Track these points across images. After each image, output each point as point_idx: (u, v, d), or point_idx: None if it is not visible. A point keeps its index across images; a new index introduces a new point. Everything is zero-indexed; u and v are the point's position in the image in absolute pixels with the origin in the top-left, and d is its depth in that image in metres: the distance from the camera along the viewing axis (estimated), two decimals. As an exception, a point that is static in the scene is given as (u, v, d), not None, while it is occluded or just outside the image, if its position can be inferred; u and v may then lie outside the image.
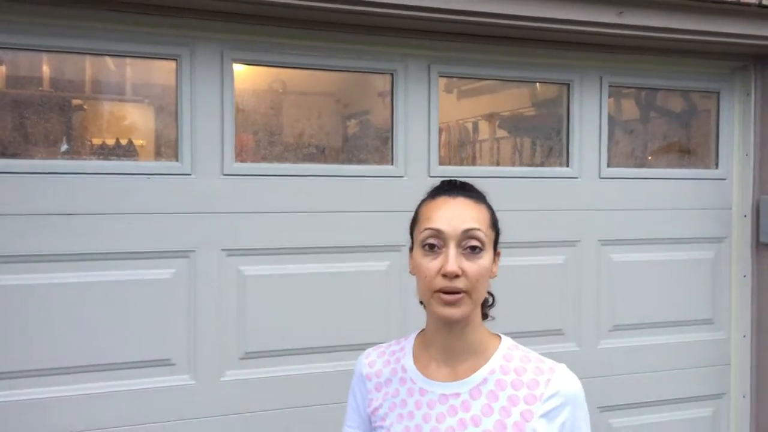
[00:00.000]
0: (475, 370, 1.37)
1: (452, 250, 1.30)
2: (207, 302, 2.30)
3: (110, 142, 2.30)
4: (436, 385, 1.38)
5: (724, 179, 3.03)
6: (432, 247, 1.32)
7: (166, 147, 2.32)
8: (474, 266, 1.31)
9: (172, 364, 2.27)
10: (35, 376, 2.14)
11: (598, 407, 2.79)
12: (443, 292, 1.30)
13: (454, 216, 1.33)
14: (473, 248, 1.31)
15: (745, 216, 3.00)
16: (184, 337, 2.28)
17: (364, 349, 1.52)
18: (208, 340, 2.30)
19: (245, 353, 2.34)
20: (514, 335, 1.48)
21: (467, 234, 1.31)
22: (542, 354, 1.42)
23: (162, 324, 2.25)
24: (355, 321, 2.45)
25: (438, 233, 1.32)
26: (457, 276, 1.29)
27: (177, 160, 2.29)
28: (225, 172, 2.32)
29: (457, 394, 1.36)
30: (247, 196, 2.34)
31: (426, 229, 1.34)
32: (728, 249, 3.04)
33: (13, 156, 2.15)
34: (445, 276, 1.29)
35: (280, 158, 2.45)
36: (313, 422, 2.37)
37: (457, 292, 1.30)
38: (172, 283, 2.27)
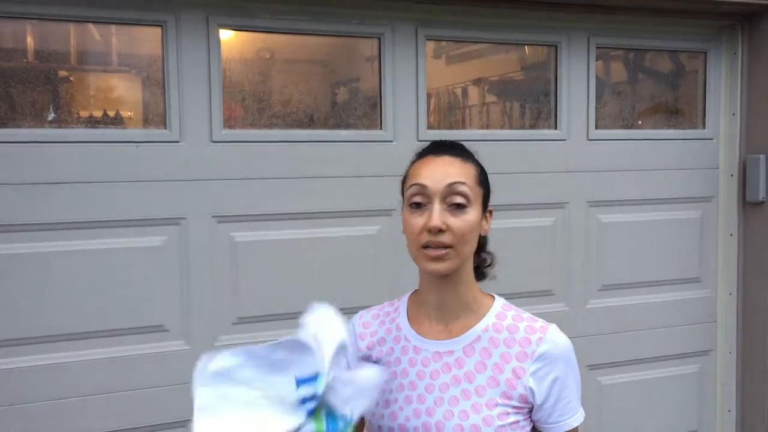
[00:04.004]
0: (468, 328, 1.39)
1: (437, 205, 1.32)
2: (199, 269, 2.32)
3: (97, 111, 2.29)
4: (430, 343, 1.41)
5: (712, 139, 3.05)
6: (418, 205, 1.34)
7: (154, 115, 2.31)
8: (459, 222, 1.32)
9: (166, 330, 2.29)
10: (28, 344, 2.15)
11: (587, 366, 2.83)
12: (429, 247, 1.32)
13: (438, 172, 1.35)
14: (458, 205, 1.33)
15: (732, 175, 3.03)
16: (178, 303, 2.29)
17: (356, 313, 1.55)
18: (202, 306, 2.32)
19: (238, 318, 2.37)
20: (505, 296, 1.50)
21: (451, 189, 1.33)
22: (532, 314, 1.44)
23: (155, 291, 2.27)
24: (347, 285, 2.47)
25: (422, 189, 1.34)
26: (441, 231, 1.31)
27: (165, 128, 2.28)
28: (214, 139, 2.31)
29: (451, 352, 1.39)
30: (236, 163, 2.34)
31: (412, 185, 1.36)
32: (715, 208, 3.07)
33: (0, 126, 2.14)
34: (429, 231, 1.31)
35: (269, 125, 2.45)
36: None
37: (443, 247, 1.32)
38: (164, 250, 2.28)
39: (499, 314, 1.41)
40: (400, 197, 1.46)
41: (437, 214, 1.31)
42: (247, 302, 2.37)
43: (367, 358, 1.47)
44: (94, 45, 2.32)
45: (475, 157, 1.43)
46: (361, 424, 1.48)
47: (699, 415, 3.10)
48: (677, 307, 3.02)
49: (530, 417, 1.37)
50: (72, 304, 2.18)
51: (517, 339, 1.37)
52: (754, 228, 2.99)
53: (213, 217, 2.32)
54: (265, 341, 1.24)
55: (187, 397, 2.30)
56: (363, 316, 1.53)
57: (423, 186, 1.34)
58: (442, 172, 1.35)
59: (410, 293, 1.51)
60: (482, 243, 1.49)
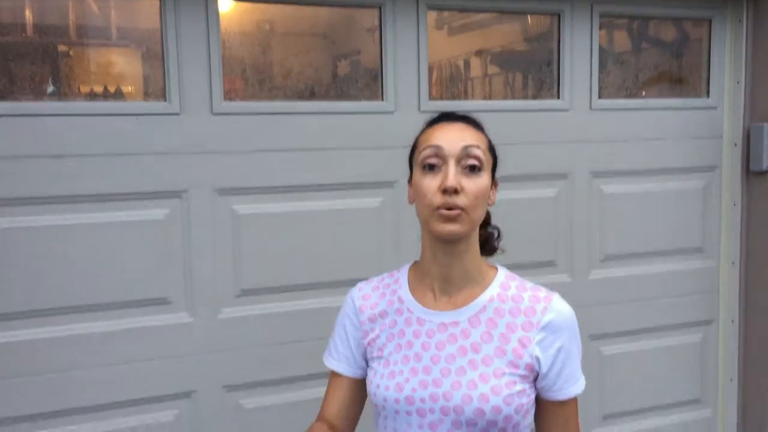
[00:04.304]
0: (473, 299, 1.40)
1: (452, 167, 1.33)
2: (202, 242, 2.32)
3: (97, 84, 2.28)
4: (435, 314, 1.41)
5: (715, 108, 3.02)
6: (432, 167, 1.35)
7: (154, 88, 2.30)
8: (472, 184, 1.33)
9: (170, 303, 2.30)
10: (32, 318, 2.16)
11: (589, 336, 2.84)
12: (443, 209, 1.32)
13: (453, 135, 1.36)
14: (472, 167, 1.34)
15: (735, 144, 3.01)
16: (181, 276, 2.30)
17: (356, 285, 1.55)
18: (204, 278, 2.32)
19: (241, 290, 2.37)
20: (507, 267, 1.50)
21: (466, 151, 1.34)
22: (535, 284, 1.45)
23: (158, 264, 2.27)
24: (349, 257, 2.47)
25: (437, 150, 1.34)
26: (456, 192, 1.31)
27: (165, 100, 2.27)
28: (214, 111, 2.30)
29: (456, 323, 1.39)
30: (237, 135, 2.33)
31: (426, 147, 1.36)
32: (719, 178, 3.05)
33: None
34: (445, 192, 1.31)
35: (269, 97, 2.43)
36: (308, 356, 2.41)
37: (457, 209, 1.32)
38: (166, 223, 2.27)
39: (503, 284, 1.42)
40: (407, 168, 1.46)
41: (452, 174, 1.32)
42: (249, 274, 2.38)
43: (369, 331, 1.47)
44: (92, 19, 2.29)
45: (484, 128, 1.44)
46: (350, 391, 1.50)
47: (701, 384, 3.12)
48: (680, 277, 3.02)
49: (534, 385, 1.39)
50: (75, 277, 2.18)
51: (522, 309, 1.38)
52: (757, 197, 2.98)
53: (214, 189, 2.32)
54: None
55: (190, 368, 2.33)
56: (362, 289, 1.53)
57: (438, 147, 1.34)
58: (456, 136, 1.36)
59: (409, 265, 1.51)
60: (487, 217, 1.49)
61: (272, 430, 2.44)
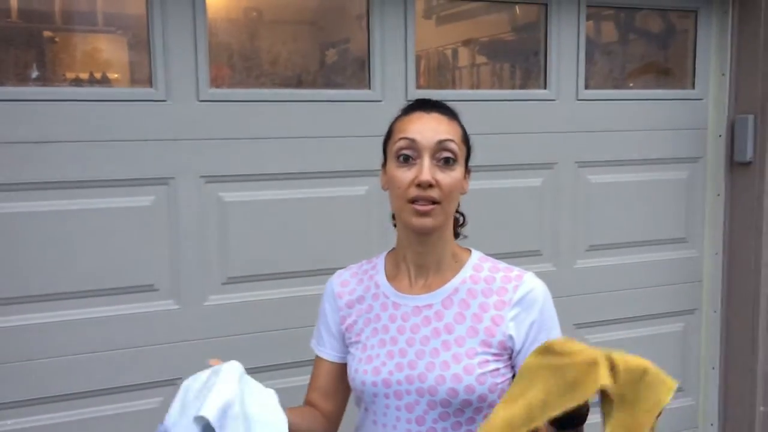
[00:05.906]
0: (446, 282, 1.42)
1: (426, 160, 1.33)
2: (188, 229, 2.31)
3: (83, 70, 2.27)
4: (409, 298, 1.43)
5: (701, 99, 3.04)
6: (407, 158, 1.35)
7: (140, 74, 2.29)
8: (447, 177, 1.34)
9: (156, 290, 2.29)
10: (18, 303, 2.15)
11: (574, 324, 2.87)
12: (416, 202, 1.33)
13: (429, 128, 1.36)
14: (447, 160, 1.35)
15: (720, 136, 3.03)
16: (167, 263, 2.29)
17: (342, 273, 1.57)
18: (191, 265, 2.32)
19: (228, 278, 2.37)
20: (493, 256, 1.51)
21: (441, 145, 1.35)
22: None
23: (144, 251, 2.27)
24: (335, 245, 2.47)
25: (412, 143, 1.35)
26: (430, 186, 1.32)
27: (152, 87, 2.26)
28: (201, 98, 2.29)
29: (430, 305, 1.41)
30: (223, 123, 2.32)
31: (400, 139, 1.36)
32: (703, 169, 3.08)
33: (-17, 84, 2.11)
34: (419, 186, 1.32)
35: (256, 84, 2.43)
36: (294, 343, 2.41)
37: (431, 202, 1.33)
38: (152, 210, 2.27)
39: (476, 266, 1.44)
40: (382, 153, 1.46)
41: (427, 169, 1.33)
42: (236, 262, 2.38)
43: (347, 317, 1.49)
44: (78, 4, 2.28)
45: (459, 117, 1.44)
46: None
47: (683, 372, 3.15)
48: (663, 267, 3.05)
49: (510, 364, 1.40)
50: (60, 264, 2.18)
51: (494, 289, 1.40)
52: (740, 188, 3.01)
53: (201, 177, 2.31)
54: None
55: (176, 355, 2.33)
56: (341, 275, 1.55)
57: (413, 140, 1.35)
58: (432, 128, 1.36)
59: (387, 251, 1.53)
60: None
61: (258, 417, 2.44)
